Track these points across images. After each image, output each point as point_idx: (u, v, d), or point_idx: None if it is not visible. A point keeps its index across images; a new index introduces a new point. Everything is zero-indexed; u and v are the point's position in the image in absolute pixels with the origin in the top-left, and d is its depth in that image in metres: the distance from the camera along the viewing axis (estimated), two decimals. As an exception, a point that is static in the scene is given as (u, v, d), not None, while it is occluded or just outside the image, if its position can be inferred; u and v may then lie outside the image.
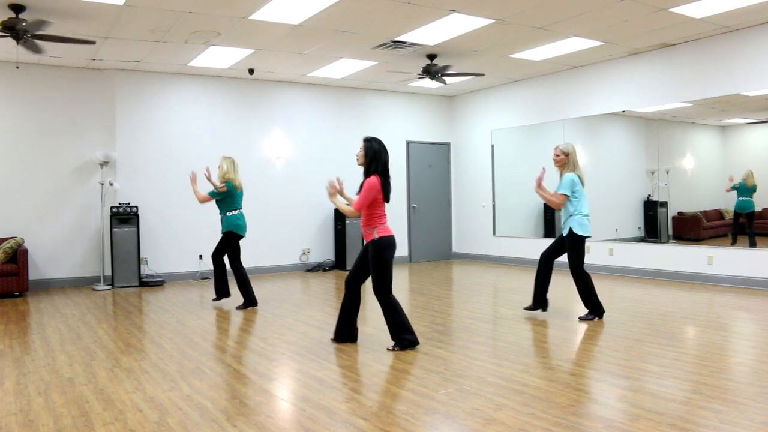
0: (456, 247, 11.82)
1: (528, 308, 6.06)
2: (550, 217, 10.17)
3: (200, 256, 9.29)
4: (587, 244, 9.18)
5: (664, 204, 8.72)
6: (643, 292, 7.34)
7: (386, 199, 4.71)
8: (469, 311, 6.34)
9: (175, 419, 3.33)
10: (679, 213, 8.59)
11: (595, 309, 5.71)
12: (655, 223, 8.89)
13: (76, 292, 8.21)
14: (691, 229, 8.45)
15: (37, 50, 6.51)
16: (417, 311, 6.45)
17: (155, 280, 8.76)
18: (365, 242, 4.78)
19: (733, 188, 7.93)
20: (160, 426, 3.24)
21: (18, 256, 7.69)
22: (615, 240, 9.16)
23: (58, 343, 5.21)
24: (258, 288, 8.29)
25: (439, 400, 3.56)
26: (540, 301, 5.95)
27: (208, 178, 6.65)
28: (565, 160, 5.69)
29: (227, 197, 6.56)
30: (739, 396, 3.52)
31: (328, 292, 7.93)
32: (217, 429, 3.19)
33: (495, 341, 5.15)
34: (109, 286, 8.48)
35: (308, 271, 10.11)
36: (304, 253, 10.29)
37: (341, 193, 4.91)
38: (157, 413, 3.43)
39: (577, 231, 5.67)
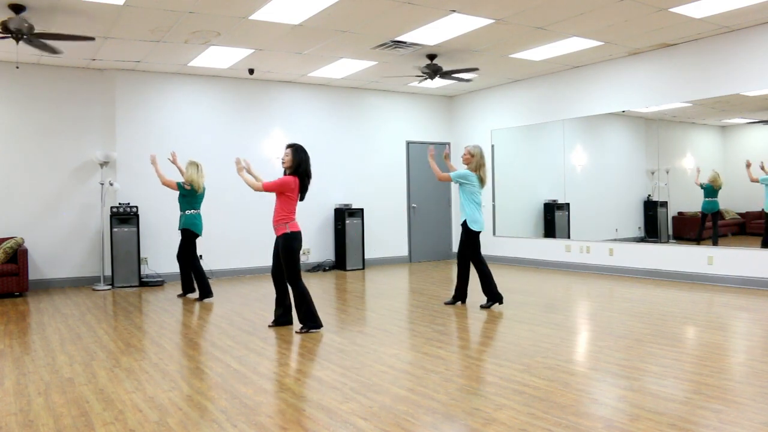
0: (456, 247, 11.80)
1: (447, 303, 6.71)
2: (550, 217, 10.17)
3: (200, 256, 9.27)
4: (587, 244, 9.33)
5: (664, 204, 8.73)
6: (643, 292, 7.34)
7: (301, 198, 5.45)
8: (469, 311, 6.34)
9: (175, 419, 3.34)
10: (679, 213, 8.59)
11: (493, 297, 6.37)
12: (655, 223, 8.90)
13: (76, 292, 8.22)
14: (691, 229, 8.46)
15: (47, 49, 6.53)
16: (417, 311, 6.45)
17: (155, 280, 8.76)
18: (276, 236, 5.46)
19: (701, 187, 8.05)
20: (160, 426, 3.24)
21: (18, 256, 7.69)
22: (615, 240, 9.16)
23: (58, 343, 5.21)
24: (258, 288, 8.30)
25: (439, 400, 3.56)
26: (459, 295, 6.63)
27: (173, 162, 7.55)
28: (470, 160, 6.37)
29: (188, 196, 7.29)
30: (739, 396, 3.52)
31: (328, 293, 7.92)
32: (217, 429, 3.19)
33: (495, 341, 5.15)
34: (109, 286, 8.47)
35: (308, 271, 10.10)
36: (304, 253, 10.27)
37: (249, 171, 5.69)
38: (157, 413, 3.43)
39: (470, 226, 6.33)
